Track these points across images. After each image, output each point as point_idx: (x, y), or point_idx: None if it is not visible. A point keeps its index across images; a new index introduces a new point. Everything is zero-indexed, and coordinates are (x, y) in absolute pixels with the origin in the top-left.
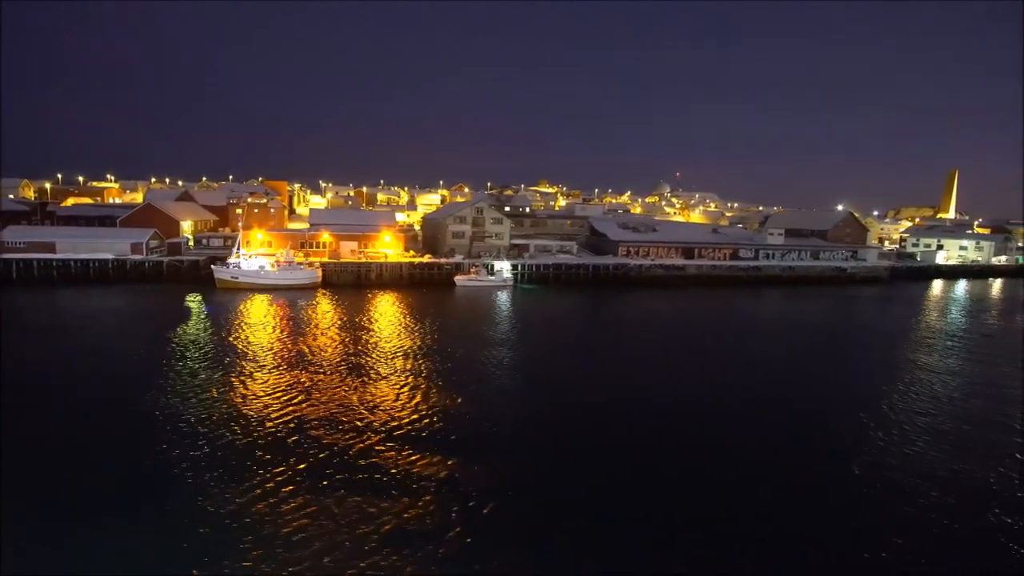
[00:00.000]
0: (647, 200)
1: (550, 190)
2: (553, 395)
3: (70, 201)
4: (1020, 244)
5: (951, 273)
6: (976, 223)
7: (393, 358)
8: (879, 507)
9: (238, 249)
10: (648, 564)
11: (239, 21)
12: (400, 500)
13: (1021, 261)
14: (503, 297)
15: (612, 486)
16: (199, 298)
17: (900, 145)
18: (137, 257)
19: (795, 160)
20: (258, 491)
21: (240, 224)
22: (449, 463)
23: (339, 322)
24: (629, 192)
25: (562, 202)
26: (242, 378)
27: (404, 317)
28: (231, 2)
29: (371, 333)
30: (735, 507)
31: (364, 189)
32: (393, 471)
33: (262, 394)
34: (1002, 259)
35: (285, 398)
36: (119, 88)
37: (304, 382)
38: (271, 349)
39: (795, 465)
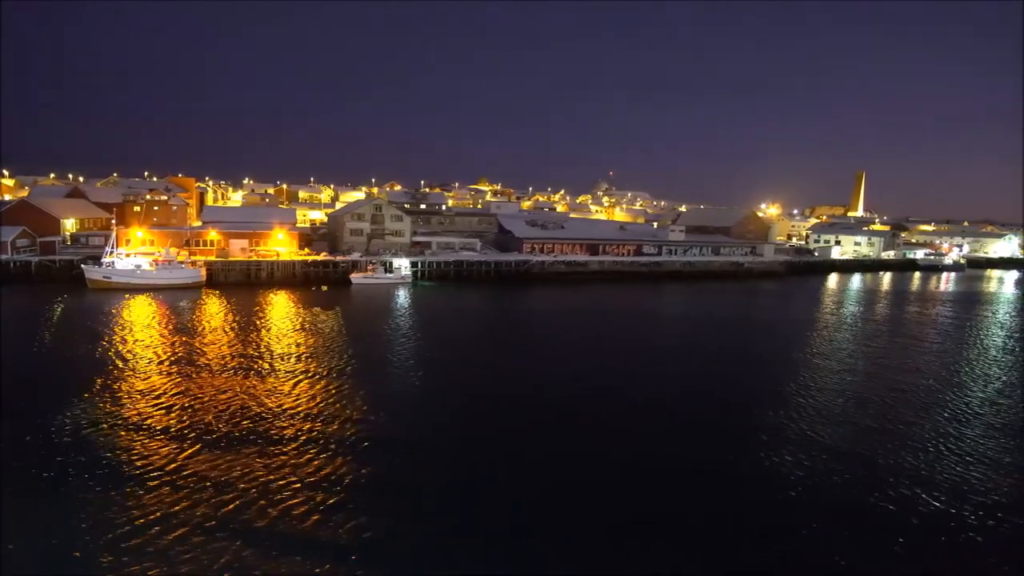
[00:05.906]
0: (579, 200)
1: (486, 188)
2: (444, 389)
3: None
4: (913, 240)
5: (845, 267)
6: (878, 220)
7: (277, 358)
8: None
9: (113, 247)
10: (570, 561)
11: (213, 20)
12: (299, 505)
13: (907, 256)
14: (399, 294)
15: (520, 482)
16: (65, 299)
17: (848, 147)
18: (1, 257)
19: (741, 160)
20: (129, 502)
21: (113, 222)
22: (345, 464)
23: (222, 322)
24: (562, 190)
25: (490, 198)
26: (101, 383)
27: (294, 316)
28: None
29: (256, 333)
30: (652, 497)
31: (285, 186)
32: (287, 474)
33: (121, 399)
34: (891, 254)
35: (151, 403)
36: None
37: (176, 385)
38: (142, 351)
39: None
